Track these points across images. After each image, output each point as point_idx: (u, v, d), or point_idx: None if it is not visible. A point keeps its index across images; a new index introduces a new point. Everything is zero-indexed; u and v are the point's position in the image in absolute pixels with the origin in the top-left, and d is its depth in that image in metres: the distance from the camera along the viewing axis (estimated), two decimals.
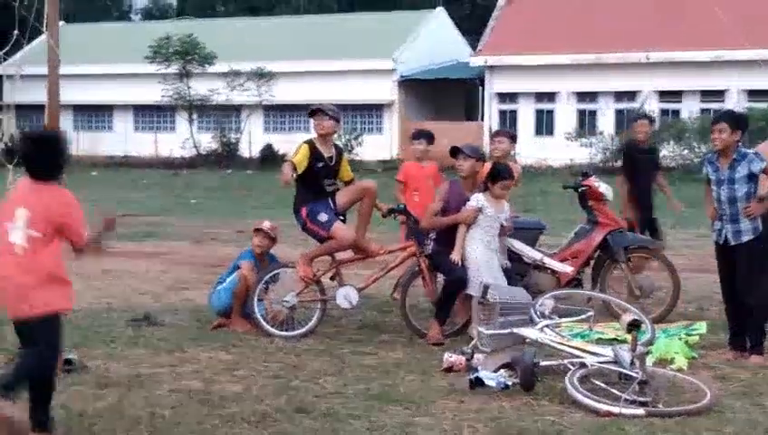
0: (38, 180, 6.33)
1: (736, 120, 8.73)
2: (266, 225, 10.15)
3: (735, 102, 38.54)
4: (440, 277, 9.67)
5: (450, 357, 8.33)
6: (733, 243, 8.71)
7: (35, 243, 6.23)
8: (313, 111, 9.92)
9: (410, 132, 11.61)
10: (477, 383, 7.63)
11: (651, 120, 12.40)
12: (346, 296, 9.64)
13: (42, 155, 6.35)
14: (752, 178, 8.58)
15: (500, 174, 9.31)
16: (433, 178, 11.01)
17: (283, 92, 44.59)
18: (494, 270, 9.16)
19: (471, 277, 9.14)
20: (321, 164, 9.68)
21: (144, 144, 48.23)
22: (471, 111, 47.40)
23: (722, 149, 8.68)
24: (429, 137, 11.25)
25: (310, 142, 9.79)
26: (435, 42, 48.38)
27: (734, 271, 8.78)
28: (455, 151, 9.63)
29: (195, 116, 46.14)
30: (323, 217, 9.54)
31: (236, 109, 46.41)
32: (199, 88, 44.61)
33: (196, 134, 45.43)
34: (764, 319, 8.78)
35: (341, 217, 9.82)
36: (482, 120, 44.21)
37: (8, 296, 6.23)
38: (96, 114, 51.44)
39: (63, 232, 6.32)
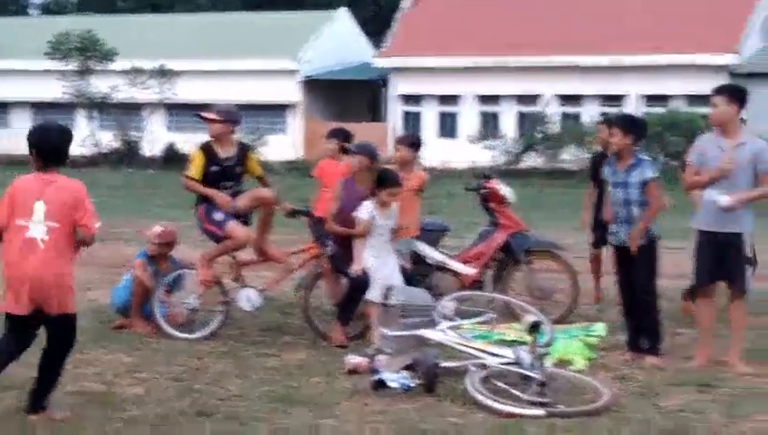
0: (49, 170, 6.73)
1: (628, 124, 8.88)
2: (155, 231, 10.02)
3: (634, 107, 39.28)
4: (344, 279, 9.67)
5: (353, 359, 8.34)
6: (628, 244, 8.85)
7: (55, 234, 6.56)
8: (198, 114, 9.86)
9: (325, 132, 11.51)
10: (380, 385, 7.66)
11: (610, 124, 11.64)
12: (248, 298, 9.60)
13: (58, 144, 6.82)
14: (645, 184, 8.74)
15: (386, 181, 9.30)
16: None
17: (186, 91, 44.08)
18: (390, 273, 9.17)
19: (371, 282, 9.15)
20: (215, 167, 9.56)
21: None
22: (375, 113, 47.49)
23: (617, 152, 8.83)
24: (345, 135, 11.10)
25: (204, 146, 9.68)
26: (339, 42, 48.33)
27: (630, 273, 8.94)
28: (345, 150, 9.73)
29: (95, 114, 45.39)
30: (219, 216, 9.44)
31: (138, 107, 45.76)
32: (100, 85, 43.88)
33: (98, 132, 44.68)
34: (659, 320, 8.95)
35: (243, 220, 9.73)
36: (386, 121, 44.35)
37: (46, 292, 6.53)
38: None
39: (76, 222, 6.61)
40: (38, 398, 6.80)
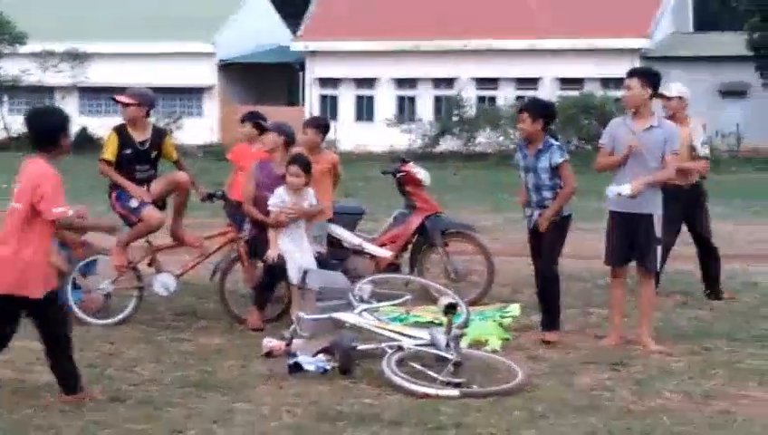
0: (37, 154, 6.78)
1: (537, 109, 8.92)
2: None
3: (549, 90, 39.69)
4: (260, 263, 9.64)
5: (269, 342, 8.32)
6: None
7: (14, 215, 6.59)
8: (113, 98, 9.76)
9: (238, 115, 11.51)
10: (296, 368, 7.66)
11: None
12: (163, 283, 9.51)
13: (39, 128, 6.89)
14: (554, 169, 8.77)
15: (294, 163, 9.30)
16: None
17: (99, 74, 43.52)
18: (305, 256, 9.14)
19: (288, 266, 9.13)
20: (129, 151, 9.45)
21: None
22: (293, 96, 47.35)
23: (527, 137, 8.91)
24: (258, 118, 11.06)
25: (119, 128, 9.56)
26: (255, 25, 48.04)
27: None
28: (261, 128, 9.86)
29: (5, 98, 44.58)
30: (134, 202, 9.35)
31: (50, 91, 45.05)
32: (10, 69, 43.09)
33: (8, 116, 43.89)
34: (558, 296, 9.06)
35: (159, 204, 9.65)
36: (303, 105, 44.24)
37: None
38: None
39: (33, 205, 6.56)
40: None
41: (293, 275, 9.02)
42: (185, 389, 7.22)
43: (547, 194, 8.82)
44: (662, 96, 10.19)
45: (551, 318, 9.00)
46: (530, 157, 8.88)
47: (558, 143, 8.89)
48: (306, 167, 9.23)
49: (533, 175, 8.88)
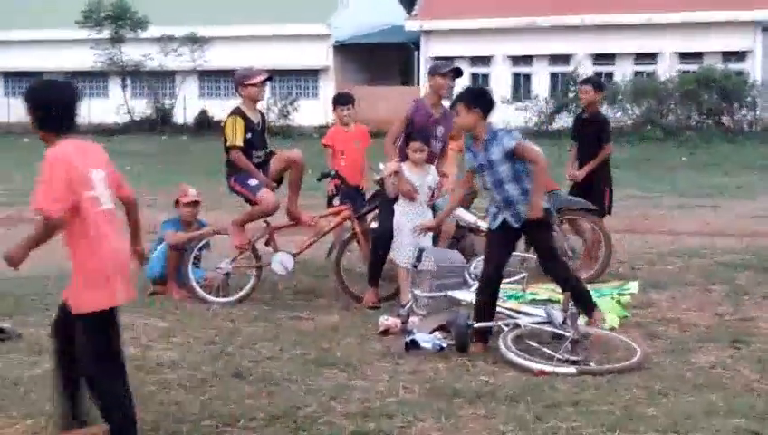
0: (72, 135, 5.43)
1: (471, 99, 7.89)
2: (192, 193, 10.12)
3: (668, 65, 38.95)
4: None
5: (386, 320, 8.39)
6: (516, 226, 7.91)
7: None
8: (269, 78, 9.82)
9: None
10: (413, 346, 7.70)
11: (595, 85, 11.40)
12: (281, 262, 9.64)
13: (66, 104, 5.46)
14: (510, 156, 7.72)
15: (409, 137, 9.31)
16: (360, 140, 11.08)
17: (218, 57, 44.20)
18: (421, 236, 9.10)
19: (397, 244, 9.17)
20: (250, 135, 9.59)
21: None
22: (407, 76, 47.38)
23: (468, 131, 7.99)
24: (351, 101, 11.24)
25: (240, 112, 9.60)
26: (369, 6, 48.18)
27: (510, 255, 8.23)
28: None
29: (128, 82, 45.62)
30: (253, 181, 9.48)
31: (170, 74, 45.93)
32: (132, 53, 44.07)
33: (130, 100, 44.94)
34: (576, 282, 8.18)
35: (276, 181, 9.79)
36: (418, 84, 44.22)
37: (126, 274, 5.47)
38: (27, 80, 50.51)
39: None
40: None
41: (399, 253, 9.06)
42: (303, 366, 7.33)
43: (511, 187, 7.78)
44: None
45: (584, 305, 8.02)
46: (479, 153, 7.88)
47: (503, 128, 7.96)
48: (426, 141, 9.27)
49: (490, 171, 7.83)
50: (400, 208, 9.24)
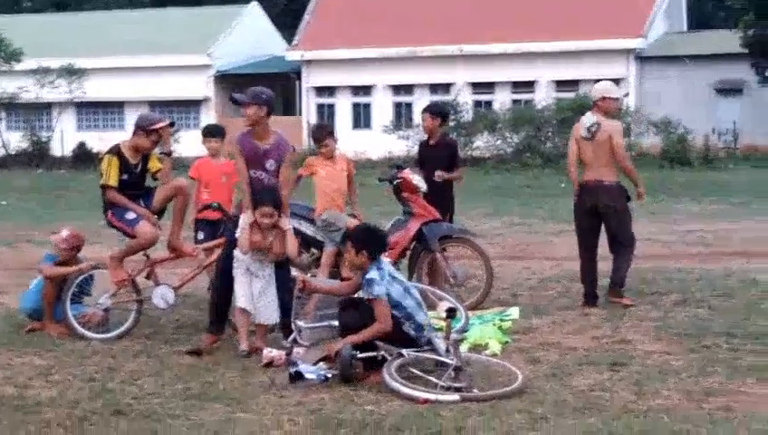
0: None
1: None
2: (61, 236, 9.89)
3: (545, 93, 39.75)
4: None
5: (270, 352, 8.34)
6: None
7: None
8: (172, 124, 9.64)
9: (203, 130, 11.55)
10: (297, 377, 7.67)
11: (433, 113, 11.37)
12: (162, 296, 9.51)
13: None
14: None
15: (261, 202, 8.90)
16: (227, 175, 10.77)
17: (96, 90, 43.61)
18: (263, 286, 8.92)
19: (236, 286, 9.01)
20: (126, 176, 9.46)
21: None
22: (289, 106, 47.42)
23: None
24: (221, 133, 11.13)
25: (118, 152, 9.44)
26: (250, 36, 48.17)
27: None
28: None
29: (3, 115, 44.66)
30: (130, 214, 9.36)
31: (47, 106, 45.14)
32: (7, 86, 43.18)
33: (5, 133, 43.98)
34: None
35: (157, 217, 9.66)
36: (300, 114, 44.29)
37: None
38: None
39: None
40: None
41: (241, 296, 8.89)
42: (187, 401, 7.24)
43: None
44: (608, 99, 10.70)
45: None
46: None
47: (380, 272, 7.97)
48: (277, 203, 8.82)
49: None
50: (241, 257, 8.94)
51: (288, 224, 8.88)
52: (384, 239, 8.38)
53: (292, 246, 8.89)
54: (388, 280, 7.88)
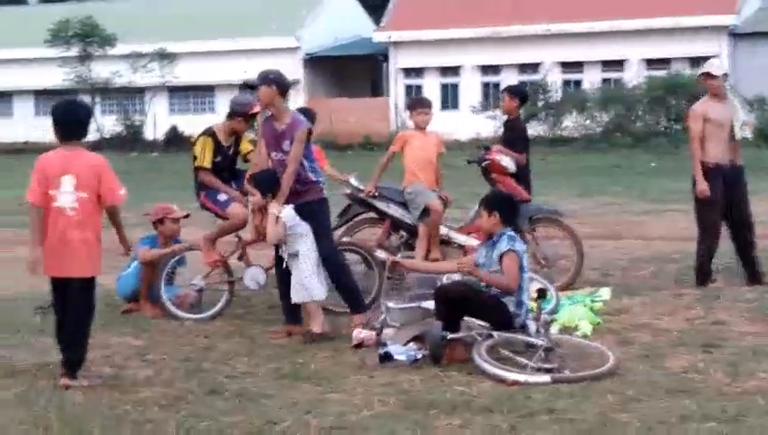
0: (72, 144, 7.24)
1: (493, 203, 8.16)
2: (176, 209, 10.13)
3: (635, 71, 39.14)
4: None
5: (360, 333, 8.39)
6: None
7: (85, 204, 7.12)
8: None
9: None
10: (387, 358, 7.71)
11: (511, 94, 11.44)
12: (253, 277, 9.62)
13: (81, 118, 7.37)
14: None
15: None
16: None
17: (187, 73, 44.17)
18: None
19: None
20: (219, 158, 9.62)
21: (46, 129, 47.19)
22: (377, 87, 47.47)
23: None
24: (310, 116, 11.06)
25: (212, 134, 9.66)
26: (338, 18, 48.27)
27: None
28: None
29: (97, 99, 45.49)
30: (222, 196, 9.52)
31: (140, 91, 45.85)
32: (101, 71, 43.95)
33: (100, 118, 44.78)
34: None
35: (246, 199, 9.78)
36: (387, 95, 44.32)
37: (65, 255, 7.12)
38: None
39: (102, 190, 7.16)
40: (68, 366, 7.24)
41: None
42: (279, 380, 7.33)
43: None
44: (708, 75, 10.16)
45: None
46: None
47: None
48: (264, 189, 8.77)
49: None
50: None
51: (276, 209, 8.61)
52: (517, 206, 8.42)
53: (271, 232, 8.68)
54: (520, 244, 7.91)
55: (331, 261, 8.81)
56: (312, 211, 8.73)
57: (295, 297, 8.75)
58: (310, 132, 8.82)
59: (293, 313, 8.92)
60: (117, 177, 7.31)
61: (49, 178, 7.14)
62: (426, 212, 10.30)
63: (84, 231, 7.16)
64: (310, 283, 8.67)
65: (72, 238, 7.12)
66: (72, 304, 7.27)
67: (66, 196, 7.12)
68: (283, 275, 8.89)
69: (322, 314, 8.78)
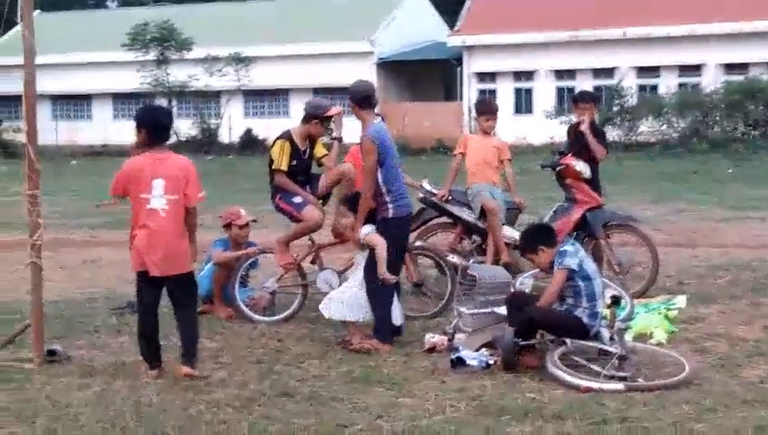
0: (161, 147, 7.57)
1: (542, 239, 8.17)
2: (240, 214, 10.20)
3: (713, 76, 38.61)
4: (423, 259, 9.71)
5: (432, 338, 8.39)
6: None
7: (176, 205, 7.45)
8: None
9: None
10: (459, 363, 7.70)
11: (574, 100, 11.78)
12: (326, 280, 9.65)
13: (167, 123, 7.74)
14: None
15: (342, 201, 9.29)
16: None
17: (262, 77, 44.51)
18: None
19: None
20: (295, 162, 9.68)
21: (123, 132, 47.86)
22: (450, 92, 47.41)
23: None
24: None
25: (289, 138, 9.71)
26: (412, 22, 48.31)
27: None
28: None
29: (174, 102, 46.03)
30: (297, 199, 9.57)
31: (216, 94, 46.28)
32: (178, 74, 44.46)
33: (176, 121, 45.17)
34: None
35: (322, 202, 9.84)
36: (461, 99, 44.23)
37: (159, 254, 7.40)
38: (74, 103, 51.23)
39: (187, 191, 7.51)
40: (188, 355, 7.61)
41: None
42: (350, 384, 7.35)
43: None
44: None
45: None
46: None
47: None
48: (353, 205, 8.91)
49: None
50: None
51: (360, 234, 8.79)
52: (549, 227, 8.40)
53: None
54: (583, 255, 7.86)
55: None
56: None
57: (348, 314, 8.67)
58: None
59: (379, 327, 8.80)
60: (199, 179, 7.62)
61: (141, 182, 7.43)
62: (485, 213, 10.42)
63: (175, 231, 7.46)
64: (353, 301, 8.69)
65: (165, 238, 7.41)
66: (181, 299, 7.63)
67: (157, 199, 7.42)
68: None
69: (363, 329, 8.74)
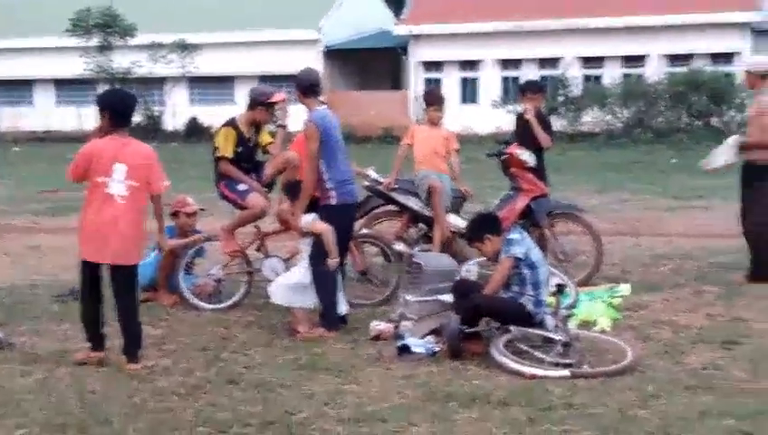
0: (123, 131, 7.45)
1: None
2: (186, 202, 10.12)
3: (656, 67, 38.98)
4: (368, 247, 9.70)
5: (378, 325, 8.40)
6: None
7: (136, 193, 7.32)
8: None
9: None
10: (405, 350, 7.72)
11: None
12: (272, 268, 9.62)
13: (130, 107, 7.64)
14: None
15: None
16: None
17: (207, 64, 44.15)
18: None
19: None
20: (240, 148, 9.63)
21: (67, 119, 47.47)
22: (397, 81, 47.39)
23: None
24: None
25: (234, 125, 9.68)
26: (359, 11, 48.16)
27: None
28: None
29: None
30: (242, 186, 9.53)
31: (160, 81, 45.83)
32: (122, 61, 43.97)
33: None
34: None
35: (267, 189, 9.80)
36: (407, 89, 44.24)
37: (112, 243, 7.25)
38: (16, 89, 50.46)
39: (150, 180, 7.40)
40: (131, 350, 7.47)
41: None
42: (296, 371, 7.34)
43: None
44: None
45: None
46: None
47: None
48: (293, 192, 8.93)
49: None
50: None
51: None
52: (495, 216, 8.45)
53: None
54: (529, 243, 7.90)
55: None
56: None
57: (288, 300, 8.70)
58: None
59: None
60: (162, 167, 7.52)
61: (100, 165, 7.29)
62: (431, 196, 10.47)
63: (131, 219, 7.32)
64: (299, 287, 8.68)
65: (120, 227, 7.27)
66: (121, 291, 7.45)
67: (117, 184, 7.29)
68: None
69: (309, 316, 8.72)
